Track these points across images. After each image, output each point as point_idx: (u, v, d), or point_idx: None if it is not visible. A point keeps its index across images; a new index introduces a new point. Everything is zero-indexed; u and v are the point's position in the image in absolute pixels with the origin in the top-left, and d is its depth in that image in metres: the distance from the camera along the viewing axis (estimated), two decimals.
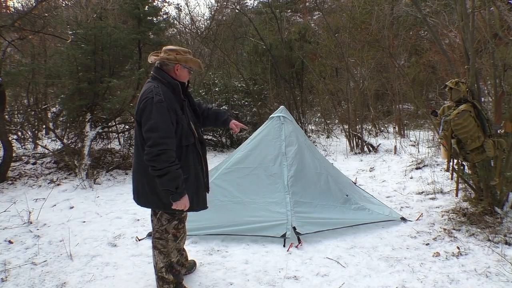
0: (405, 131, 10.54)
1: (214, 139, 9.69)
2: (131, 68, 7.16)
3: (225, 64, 12.18)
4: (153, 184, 2.26)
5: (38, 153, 7.38)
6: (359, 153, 8.49)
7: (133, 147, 8.02)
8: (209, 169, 2.68)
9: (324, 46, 11.25)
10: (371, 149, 8.54)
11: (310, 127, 11.96)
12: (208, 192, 2.59)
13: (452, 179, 4.07)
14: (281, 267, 3.03)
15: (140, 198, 2.41)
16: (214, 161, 7.33)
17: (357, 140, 8.92)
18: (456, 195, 3.92)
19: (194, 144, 2.35)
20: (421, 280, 2.76)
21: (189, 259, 2.99)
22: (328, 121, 12.36)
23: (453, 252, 3.16)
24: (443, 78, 8.26)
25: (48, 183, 5.81)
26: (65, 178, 6.11)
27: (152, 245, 2.52)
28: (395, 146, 8.13)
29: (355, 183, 5.11)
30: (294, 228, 3.43)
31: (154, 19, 7.84)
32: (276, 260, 3.15)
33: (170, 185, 2.14)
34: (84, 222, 4.21)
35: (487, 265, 2.91)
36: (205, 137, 9.82)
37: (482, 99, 3.88)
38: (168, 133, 2.14)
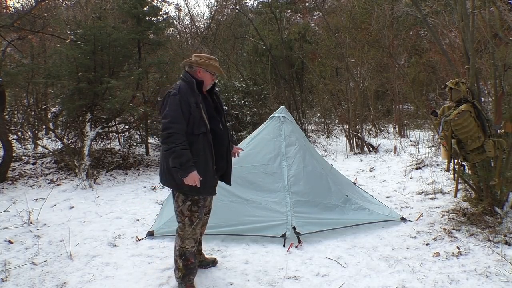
0: (405, 131, 10.55)
1: None
2: (130, 68, 7.15)
3: (225, 64, 12.17)
4: (168, 165, 2.55)
5: (38, 153, 7.39)
6: (359, 153, 8.49)
7: (132, 147, 8.09)
8: None
9: (324, 46, 11.25)
10: (371, 149, 8.55)
11: (310, 127, 11.96)
12: (229, 184, 2.90)
13: (454, 179, 4.07)
14: (281, 267, 3.03)
15: (162, 177, 2.71)
16: None
17: (357, 140, 8.92)
18: (455, 196, 3.92)
19: (205, 134, 2.60)
20: (421, 280, 2.76)
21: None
22: (328, 121, 12.36)
23: (453, 252, 3.16)
24: (443, 78, 8.26)
25: (48, 183, 5.81)
26: (65, 178, 6.11)
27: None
28: (395, 146, 8.13)
29: (355, 183, 5.11)
30: (294, 228, 3.43)
31: (154, 19, 7.84)
32: (276, 260, 3.15)
33: (175, 162, 2.46)
34: (84, 222, 4.21)
35: (487, 265, 2.91)
36: None
37: (482, 99, 3.88)
38: (176, 120, 2.47)
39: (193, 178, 2.49)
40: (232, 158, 2.99)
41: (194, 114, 2.54)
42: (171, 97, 2.53)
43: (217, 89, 3.48)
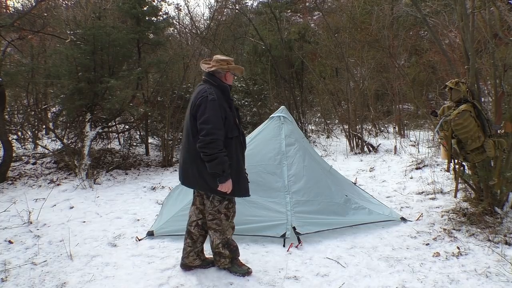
0: (405, 131, 10.55)
1: None
2: (129, 68, 7.16)
3: None
4: (201, 169, 2.64)
5: (38, 153, 7.39)
6: (359, 153, 8.50)
7: (132, 147, 8.08)
8: None
9: (324, 46, 11.25)
10: (371, 149, 8.55)
11: (310, 127, 11.96)
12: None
13: (454, 179, 4.07)
14: (281, 267, 3.03)
15: (190, 181, 2.76)
16: None
17: (357, 140, 8.92)
18: (455, 196, 3.91)
19: (238, 137, 2.73)
20: (421, 280, 2.76)
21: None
22: (328, 121, 12.36)
23: (453, 252, 3.16)
24: (443, 78, 8.25)
25: (48, 183, 5.81)
26: (65, 178, 6.11)
27: (208, 227, 2.86)
28: (395, 146, 8.13)
29: (355, 183, 5.11)
30: (294, 228, 3.43)
31: (154, 19, 7.84)
32: (276, 260, 3.15)
33: (218, 168, 2.54)
34: (84, 222, 4.21)
35: (487, 265, 2.91)
36: None
37: (482, 99, 3.88)
38: (218, 125, 2.55)
39: (228, 185, 2.61)
40: None
41: (229, 119, 2.64)
42: (210, 102, 2.57)
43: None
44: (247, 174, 2.85)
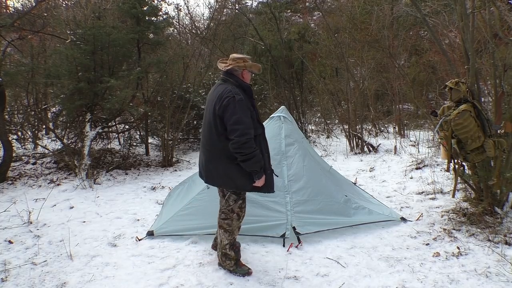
0: (405, 131, 10.54)
1: None
2: (129, 68, 7.16)
3: None
4: (227, 167, 2.72)
5: (38, 153, 7.39)
6: (359, 153, 8.49)
7: (132, 147, 8.09)
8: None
9: (324, 46, 11.25)
10: (371, 149, 8.54)
11: (310, 127, 11.95)
12: (276, 175, 3.02)
13: (455, 179, 4.06)
14: (281, 267, 3.03)
15: (215, 179, 2.83)
16: None
17: (357, 140, 8.91)
18: (453, 196, 3.91)
19: (262, 134, 2.81)
20: (421, 280, 2.76)
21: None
22: (328, 121, 12.36)
23: (453, 252, 3.16)
24: (443, 78, 8.25)
25: (48, 183, 5.81)
26: (65, 178, 6.11)
27: (217, 225, 2.96)
28: (395, 146, 8.13)
29: (355, 183, 5.11)
30: (294, 228, 3.43)
31: (154, 19, 7.84)
32: (276, 260, 3.15)
33: (256, 166, 2.64)
34: (84, 222, 4.21)
35: (487, 265, 2.91)
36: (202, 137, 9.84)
37: (482, 99, 3.88)
38: (250, 125, 2.63)
39: (263, 180, 2.72)
40: None
41: (253, 117, 2.71)
42: (238, 102, 2.61)
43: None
44: (273, 170, 2.91)
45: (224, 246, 2.92)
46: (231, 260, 2.93)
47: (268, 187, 2.83)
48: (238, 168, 2.68)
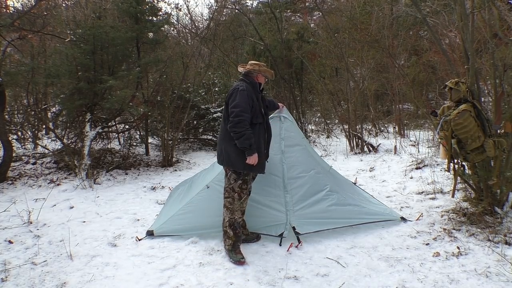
0: (405, 131, 10.54)
1: (214, 139, 9.69)
2: (129, 68, 7.16)
3: (224, 64, 12.15)
4: (226, 147, 3.14)
5: (38, 153, 7.39)
6: (359, 153, 8.50)
7: (132, 147, 8.11)
8: (208, 168, 3.22)
9: (323, 46, 11.25)
10: (371, 149, 8.54)
11: (310, 127, 11.96)
12: (267, 161, 3.42)
13: (454, 179, 4.07)
14: (281, 267, 3.03)
15: (219, 158, 3.29)
16: (214, 160, 7.32)
17: (357, 140, 8.92)
18: (453, 196, 3.91)
19: (262, 124, 3.20)
20: (421, 280, 2.77)
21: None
22: (328, 121, 12.36)
23: (453, 252, 3.16)
24: (443, 78, 8.25)
25: (48, 183, 5.81)
26: (65, 178, 6.11)
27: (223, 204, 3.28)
28: (395, 146, 8.13)
29: (355, 183, 5.11)
30: (294, 228, 3.43)
31: (154, 18, 7.84)
32: (276, 260, 3.16)
33: (246, 143, 2.98)
34: (84, 222, 4.21)
35: (487, 265, 2.91)
36: (205, 137, 9.86)
37: (482, 99, 3.88)
38: (245, 109, 3.02)
39: (255, 158, 3.04)
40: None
41: (255, 108, 3.12)
42: (240, 91, 3.07)
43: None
44: (267, 156, 3.33)
45: (224, 224, 3.21)
46: (229, 239, 3.17)
47: (259, 168, 3.18)
48: (235, 148, 3.07)
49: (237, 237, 3.18)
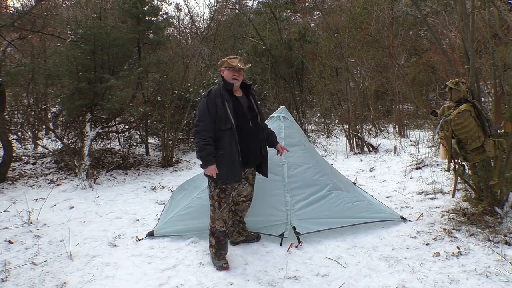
0: (405, 131, 10.54)
1: None
2: (130, 68, 7.16)
3: None
4: None
5: (38, 153, 7.39)
6: (359, 153, 8.49)
7: (132, 147, 8.10)
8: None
9: (323, 46, 11.24)
10: (371, 149, 8.54)
11: (310, 127, 11.95)
12: (266, 176, 3.33)
13: (454, 179, 4.07)
14: (281, 267, 3.03)
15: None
16: None
17: (357, 140, 8.91)
18: (453, 196, 3.90)
19: (231, 129, 2.93)
20: (421, 280, 2.76)
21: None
22: (328, 121, 12.36)
23: (453, 252, 3.16)
24: (443, 78, 8.25)
25: (48, 183, 5.81)
26: (65, 178, 6.12)
27: None
28: (395, 146, 8.13)
29: (355, 183, 5.11)
30: (294, 228, 3.43)
31: (154, 18, 7.84)
32: (276, 260, 3.15)
33: (198, 155, 2.92)
34: (84, 222, 4.21)
35: (487, 265, 2.91)
36: None
37: (482, 99, 3.88)
38: (202, 119, 2.92)
39: (210, 170, 2.87)
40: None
41: (220, 113, 2.91)
42: (201, 100, 3.01)
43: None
44: (250, 163, 3.14)
45: (208, 232, 3.14)
46: (212, 247, 3.12)
47: (234, 177, 2.96)
48: None
49: (220, 245, 3.09)
